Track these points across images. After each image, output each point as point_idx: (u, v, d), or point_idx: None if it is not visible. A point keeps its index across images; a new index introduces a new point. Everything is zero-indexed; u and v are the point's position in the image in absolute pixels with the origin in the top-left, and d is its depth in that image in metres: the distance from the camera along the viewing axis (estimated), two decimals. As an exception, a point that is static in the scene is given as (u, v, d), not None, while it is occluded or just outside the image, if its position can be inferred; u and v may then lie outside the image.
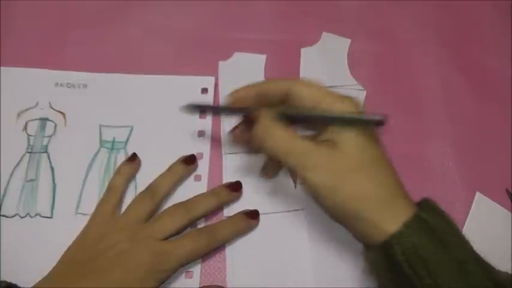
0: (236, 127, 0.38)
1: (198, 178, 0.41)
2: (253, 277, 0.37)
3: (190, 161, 0.40)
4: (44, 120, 0.43)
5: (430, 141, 0.44)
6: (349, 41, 0.49)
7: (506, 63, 0.49)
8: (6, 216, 0.39)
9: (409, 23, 0.51)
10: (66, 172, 0.41)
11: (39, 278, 0.34)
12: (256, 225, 0.39)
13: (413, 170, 0.42)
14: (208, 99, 0.45)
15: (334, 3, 0.52)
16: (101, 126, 0.43)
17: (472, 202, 0.41)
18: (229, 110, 0.36)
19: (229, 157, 0.42)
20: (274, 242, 0.38)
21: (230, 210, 0.39)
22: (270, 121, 0.32)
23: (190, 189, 0.40)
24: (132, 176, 0.40)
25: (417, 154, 0.43)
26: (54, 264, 0.35)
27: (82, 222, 0.37)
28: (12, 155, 0.41)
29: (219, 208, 0.39)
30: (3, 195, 0.40)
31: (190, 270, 0.37)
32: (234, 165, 0.42)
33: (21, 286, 0.33)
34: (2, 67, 0.45)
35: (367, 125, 0.31)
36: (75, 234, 0.37)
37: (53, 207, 0.39)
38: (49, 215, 0.39)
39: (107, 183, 0.40)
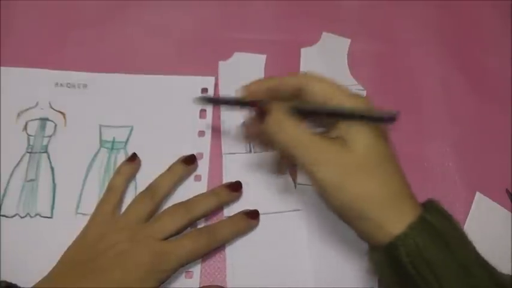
0: (248, 120, 0.38)
1: (198, 178, 0.41)
2: (253, 277, 0.37)
3: (190, 161, 0.40)
4: (44, 120, 0.43)
5: (430, 141, 0.44)
6: (349, 41, 0.49)
7: (506, 63, 0.49)
8: (6, 216, 0.39)
9: (409, 23, 0.51)
10: (66, 172, 0.41)
11: (39, 278, 0.34)
12: (256, 225, 0.39)
13: (413, 170, 0.41)
14: (208, 99, 0.45)
15: (334, 3, 0.52)
16: (101, 126, 0.43)
17: (472, 202, 0.41)
18: (241, 102, 0.36)
19: (229, 157, 0.42)
20: (274, 242, 0.38)
21: (230, 210, 0.39)
22: (282, 114, 0.32)
23: (190, 189, 0.40)
24: (132, 176, 0.40)
25: (417, 154, 0.43)
26: (54, 264, 0.35)
27: (82, 222, 0.37)
28: (12, 155, 0.41)
29: (219, 208, 0.39)
30: (3, 195, 0.40)
31: (190, 270, 0.37)
32: (234, 165, 0.42)
33: (21, 286, 0.33)
34: (2, 67, 0.45)
35: (378, 122, 0.30)
36: (75, 234, 0.36)
37: (53, 207, 0.39)
38: (49, 215, 0.39)
39: (107, 183, 0.40)
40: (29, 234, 0.38)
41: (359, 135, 0.30)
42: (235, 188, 0.39)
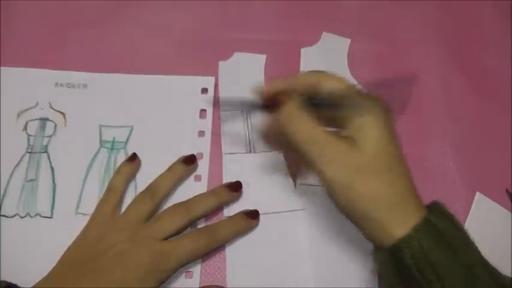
0: (265, 122, 0.37)
1: (198, 178, 0.41)
2: (253, 277, 0.37)
3: (190, 161, 0.40)
4: (44, 120, 0.43)
5: (430, 141, 0.44)
6: (349, 41, 0.49)
7: (506, 63, 0.49)
8: (6, 216, 0.39)
9: (409, 23, 0.51)
10: (66, 172, 0.41)
11: (39, 278, 0.34)
12: (256, 225, 0.39)
13: (413, 170, 0.41)
14: (208, 99, 0.45)
15: (334, 3, 0.52)
16: (101, 126, 0.43)
17: (472, 202, 0.41)
18: (258, 105, 0.35)
19: (229, 157, 0.42)
20: (274, 242, 0.38)
21: (230, 210, 0.39)
22: (295, 107, 0.32)
23: (190, 189, 0.40)
24: (132, 176, 0.40)
25: (417, 154, 0.43)
26: (54, 264, 0.35)
27: (82, 222, 0.37)
28: (12, 155, 0.41)
29: (219, 208, 0.39)
30: (3, 195, 0.40)
31: (190, 270, 0.37)
32: (234, 165, 0.42)
33: (21, 286, 0.33)
34: (2, 67, 0.45)
35: (397, 87, 0.30)
36: (75, 234, 0.36)
37: (53, 207, 0.39)
38: (49, 215, 0.39)
39: (107, 183, 0.40)
40: (29, 234, 0.38)
41: (369, 136, 0.30)
42: (235, 188, 0.39)
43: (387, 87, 0.31)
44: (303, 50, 0.49)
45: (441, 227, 0.28)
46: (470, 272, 0.27)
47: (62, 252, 0.35)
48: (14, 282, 0.34)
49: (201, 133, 0.43)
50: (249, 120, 0.44)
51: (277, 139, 0.36)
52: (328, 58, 0.48)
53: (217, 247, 0.37)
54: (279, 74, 0.46)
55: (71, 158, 0.41)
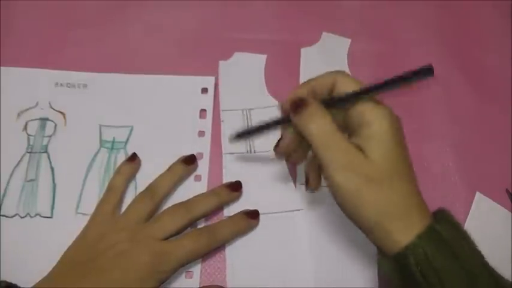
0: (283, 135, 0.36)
1: (198, 178, 0.41)
2: (253, 277, 0.37)
3: (190, 161, 0.40)
4: (44, 120, 0.43)
5: (430, 141, 0.44)
6: (349, 41, 0.49)
7: (506, 63, 0.49)
8: (6, 216, 0.39)
9: (410, 23, 0.51)
10: (66, 172, 0.41)
11: (39, 278, 0.34)
12: (256, 225, 0.39)
13: (413, 170, 0.42)
14: (208, 99, 0.45)
15: (334, 3, 0.52)
16: (101, 126, 0.43)
17: (472, 202, 0.41)
18: (275, 122, 0.35)
19: (229, 157, 0.42)
20: (274, 242, 0.38)
21: (230, 210, 0.39)
22: (318, 106, 0.32)
23: (190, 189, 0.40)
24: (132, 176, 0.40)
25: (417, 154, 0.43)
26: (54, 264, 0.35)
27: (82, 222, 0.37)
28: (12, 155, 0.41)
29: (219, 208, 0.39)
30: (3, 195, 0.40)
31: (190, 270, 0.37)
32: (234, 165, 0.42)
33: (21, 286, 0.33)
34: (2, 67, 0.45)
35: (414, 79, 0.32)
36: (75, 234, 0.36)
37: (53, 207, 0.39)
38: (49, 215, 0.39)
39: (107, 183, 0.40)
40: (29, 234, 0.38)
41: (378, 144, 0.30)
42: (235, 188, 0.39)
43: (405, 81, 0.31)
44: (303, 50, 0.49)
45: (445, 234, 0.28)
46: (473, 277, 0.27)
47: (62, 252, 0.35)
48: (14, 282, 0.34)
49: (201, 133, 0.43)
50: (249, 120, 0.44)
51: (296, 150, 0.35)
52: (328, 58, 0.48)
53: (217, 247, 0.37)
54: (279, 74, 0.47)
55: (71, 158, 0.41)
